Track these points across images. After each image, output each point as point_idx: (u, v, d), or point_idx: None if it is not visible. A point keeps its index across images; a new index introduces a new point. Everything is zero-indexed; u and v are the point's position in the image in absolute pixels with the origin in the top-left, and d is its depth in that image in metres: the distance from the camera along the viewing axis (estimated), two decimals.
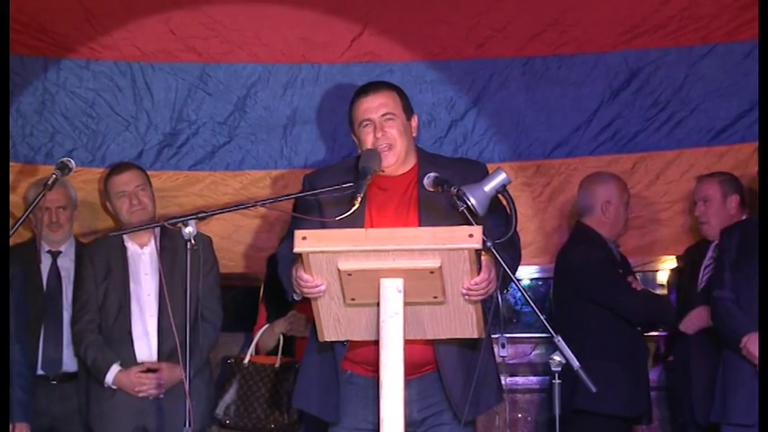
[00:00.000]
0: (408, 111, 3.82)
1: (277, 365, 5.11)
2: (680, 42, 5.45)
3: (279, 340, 5.13)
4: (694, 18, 5.42)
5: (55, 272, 5.17)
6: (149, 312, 5.00)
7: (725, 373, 4.91)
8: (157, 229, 4.97)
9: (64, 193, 5.16)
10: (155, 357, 4.96)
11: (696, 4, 5.41)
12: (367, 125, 3.74)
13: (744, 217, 5.23)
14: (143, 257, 5.06)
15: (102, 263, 5.03)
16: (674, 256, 5.71)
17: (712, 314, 4.97)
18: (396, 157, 3.72)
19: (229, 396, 5.12)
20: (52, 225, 5.14)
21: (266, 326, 5.20)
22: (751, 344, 4.70)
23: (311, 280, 3.40)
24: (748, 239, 4.90)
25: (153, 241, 5.04)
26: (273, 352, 5.14)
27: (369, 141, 3.73)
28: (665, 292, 6.11)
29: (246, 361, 5.14)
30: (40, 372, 5.05)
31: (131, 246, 5.06)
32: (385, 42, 5.45)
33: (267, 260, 5.25)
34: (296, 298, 3.58)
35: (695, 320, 5.21)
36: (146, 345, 4.98)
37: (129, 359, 4.95)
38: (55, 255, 5.19)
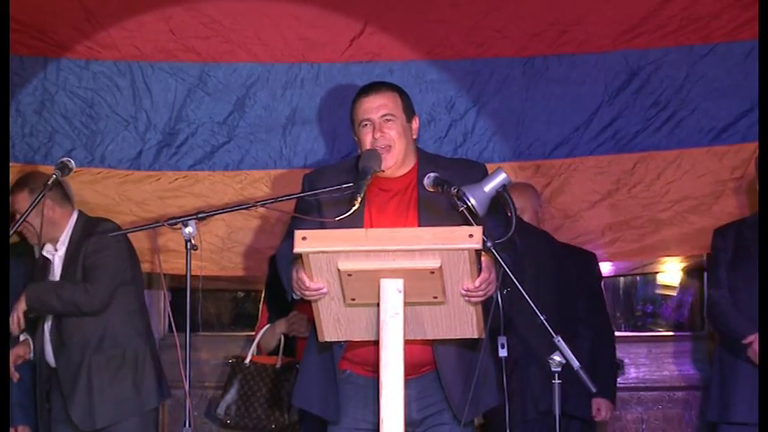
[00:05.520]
0: (409, 112, 3.81)
1: (278, 366, 5.12)
2: (680, 42, 5.44)
3: (280, 340, 5.14)
4: (695, 18, 5.40)
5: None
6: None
7: (723, 373, 4.92)
8: (69, 233, 4.95)
9: None
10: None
11: (696, 4, 5.39)
12: (366, 125, 3.74)
13: None
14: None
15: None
16: (675, 258, 5.71)
17: (709, 313, 4.95)
18: (394, 159, 3.72)
19: (230, 396, 5.13)
20: None
21: (267, 326, 5.20)
22: (755, 344, 4.73)
23: (313, 284, 3.40)
24: (743, 240, 4.91)
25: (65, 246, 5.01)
26: (275, 352, 5.15)
27: (367, 141, 3.73)
28: (667, 293, 6.11)
29: (248, 361, 5.15)
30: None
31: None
32: (385, 42, 5.45)
33: (269, 260, 5.25)
34: (295, 298, 3.58)
35: None
36: None
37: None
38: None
